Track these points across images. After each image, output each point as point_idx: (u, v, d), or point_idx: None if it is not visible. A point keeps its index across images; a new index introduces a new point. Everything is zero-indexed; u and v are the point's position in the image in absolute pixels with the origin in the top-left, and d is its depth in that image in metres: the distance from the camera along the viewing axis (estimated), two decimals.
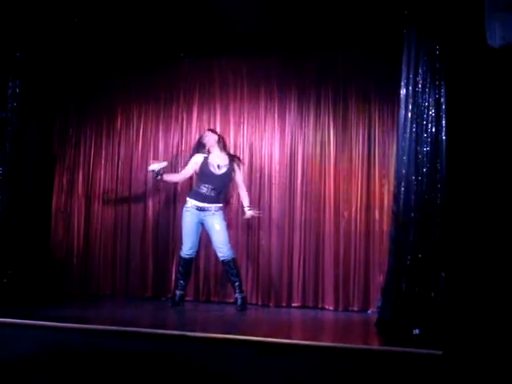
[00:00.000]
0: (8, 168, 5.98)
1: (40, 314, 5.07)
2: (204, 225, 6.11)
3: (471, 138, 4.65)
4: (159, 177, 6.22)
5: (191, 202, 6.10)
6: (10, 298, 5.76)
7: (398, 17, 5.00)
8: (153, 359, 4.09)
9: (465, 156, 4.64)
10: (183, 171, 6.43)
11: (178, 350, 4.14)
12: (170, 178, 6.47)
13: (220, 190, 6.11)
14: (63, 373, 4.09)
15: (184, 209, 6.19)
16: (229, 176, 6.17)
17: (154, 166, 6.20)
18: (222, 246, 6.02)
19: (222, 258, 6.06)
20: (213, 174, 6.11)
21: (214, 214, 6.05)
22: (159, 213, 7.13)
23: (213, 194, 6.07)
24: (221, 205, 6.14)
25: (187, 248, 6.11)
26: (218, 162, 6.18)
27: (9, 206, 5.97)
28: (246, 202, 6.26)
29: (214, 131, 6.46)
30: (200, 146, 6.34)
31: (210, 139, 6.26)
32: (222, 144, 6.33)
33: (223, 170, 6.13)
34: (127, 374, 4.08)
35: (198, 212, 6.07)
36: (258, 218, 6.70)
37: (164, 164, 6.25)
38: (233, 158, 6.28)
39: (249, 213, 6.23)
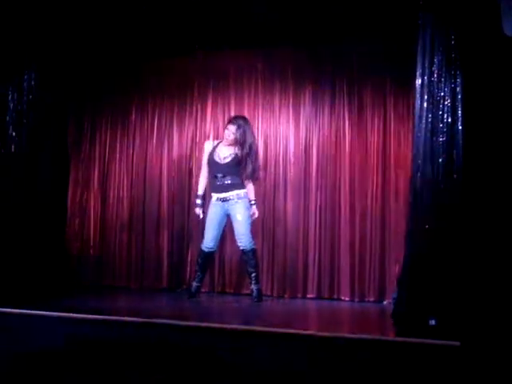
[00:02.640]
0: (24, 161, 6.00)
1: (57, 304, 5.09)
2: (229, 215, 6.08)
3: (488, 127, 4.60)
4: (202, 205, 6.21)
5: (214, 196, 6.06)
6: (27, 289, 5.79)
7: (413, 6, 4.96)
8: (170, 350, 4.10)
9: (481, 146, 4.60)
10: (202, 167, 6.27)
11: (194, 341, 4.15)
12: (202, 186, 6.24)
13: (232, 176, 6.00)
14: (82, 364, 4.12)
15: (210, 203, 6.13)
16: (235, 165, 6.01)
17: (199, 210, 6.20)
18: (242, 236, 5.98)
19: (241, 248, 6.04)
20: (217, 164, 6.04)
21: (237, 202, 5.99)
22: (174, 205, 7.16)
23: (228, 182, 5.99)
24: (242, 191, 6.03)
25: (208, 241, 6.07)
26: (224, 152, 6.07)
27: (27, 199, 6.00)
28: (251, 195, 6.15)
29: (239, 125, 6.06)
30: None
31: (229, 133, 6.06)
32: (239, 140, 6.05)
33: (227, 159, 6.04)
34: (144, 364, 4.09)
35: (222, 203, 6.02)
36: (273, 209, 6.72)
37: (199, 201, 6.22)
38: (241, 150, 6.04)
39: (253, 207, 6.14)
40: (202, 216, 6.20)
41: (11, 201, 5.92)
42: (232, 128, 6.03)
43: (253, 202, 6.13)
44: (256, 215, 6.16)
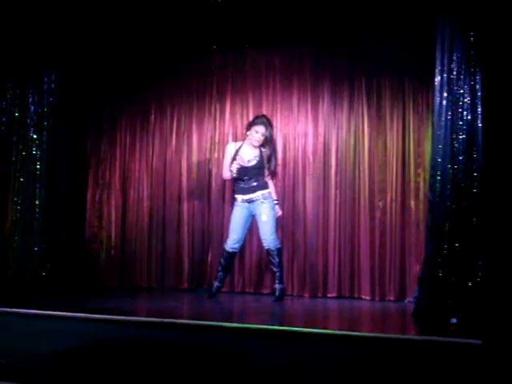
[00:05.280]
0: (46, 162, 6.06)
1: (78, 305, 5.14)
2: (255, 216, 6.07)
3: (508, 124, 4.57)
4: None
5: (239, 198, 6.07)
6: (49, 290, 5.85)
7: (432, 3, 4.94)
8: (192, 350, 4.13)
9: (502, 144, 4.57)
10: (224, 170, 6.18)
11: (216, 340, 4.17)
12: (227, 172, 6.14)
13: (257, 177, 6.03)
14: (106, 364, 4.15)
15: (235, 204, 6.14)
16: (260, 167, 6.06)
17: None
18: (266, 236, 5.98)
19: (266, 247, 6.03)
20: (242, 167, 6.02)
21: (262, 202, 5.99)
22: (194, 205, 7.18)
23: (254, 184, 6.01)
24: (267, 191, 6.04)
25: (232, 242, 6.07)
26: (249, 155, 6.06)
27: (47, 200, 6.05)
28: (273, 194, 6.16)
29: (267, 125, 6.06)
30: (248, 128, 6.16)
31: (259, 135, 6.02)
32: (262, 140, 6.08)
33: (252, 162, 6.05)
34: (164, 363, 4.12)
35: (247, 205, 6.03)
36: (293, 208, 6.73)
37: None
38: (268, 148, 6.09)
39: (276, 207, 6.12)
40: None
41: (32, 202, 5.99)
42: (262, 129, 6.03)
43: (276, 202, 6.14)
44: (280, 214, 6.18)
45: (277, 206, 6.14)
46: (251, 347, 4.09)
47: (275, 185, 6.38)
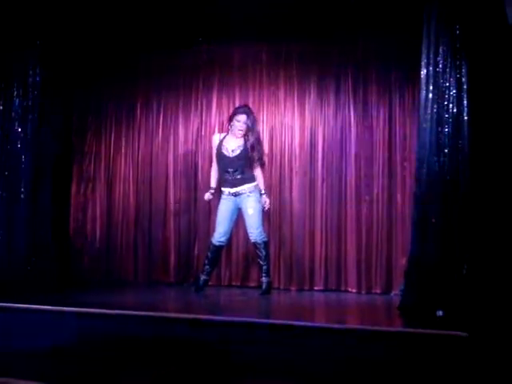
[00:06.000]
0: (30, 156, 6.01)
1: (65, 300, 5.14)
2: (241, 209, 6.06)
3: (493, 117, 4.59)
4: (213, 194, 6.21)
5: (226, 191, 6.04)
6: (34, 285, 5.82)
7: None
8: (178, 344, 4.12)
9: (487, 136, 4.58)
10: (213, 161, 6.23)
11: (203, 334, 4.17)
12: (214, 179, 6.20)
13: (242, 169, 6.00)
14: (89, 358, 4.13)
15: (221, 197, 6.11)
16: (244, 157, 6.01)
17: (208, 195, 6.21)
18: (252, 229, 5.98)
19: (252, 241, 6.03)
20: (226, 157, 6.02)
21: (248, 195, 5.98)
22: (180, 199, 7.16)
23: (239, 176, 5.99)
24: (252, 184, 6.01)
25: (219, 235, 6.05)
26: (232, 145, 6.05)
27: (31, 194, 6.02)
28: (261, 184, 6.11)
29: (248, 113, 6.08)
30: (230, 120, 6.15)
31: (241, 124, 6.03)
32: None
33: (236, 152, 6.02)
34: (151, 358, 4.11)
35: (234, 198, 6.01)
36: (279, 201, 6.73)
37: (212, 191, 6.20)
38: (251, 136, 6.03)
39: (263, 197, 6.09)
40: (207, 200, 6.28)
41: (17, 196, 5.95)
42: (243, 118, 6.02)
43: (263, 192, 6.08)
44: (267, 204, 6.10)
45: (264, 196, 6.07)
46: (238, 341, 4.09)
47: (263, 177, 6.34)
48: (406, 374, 3.73)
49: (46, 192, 6.24)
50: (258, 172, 6.11)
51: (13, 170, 5.96)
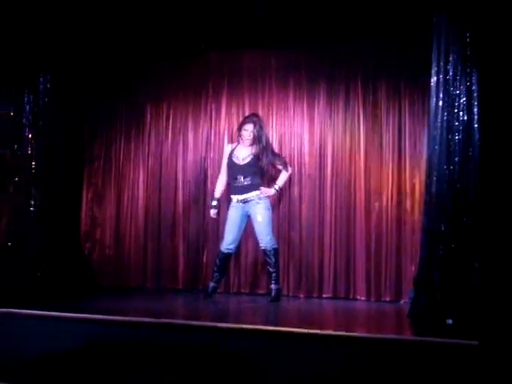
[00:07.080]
0: (41, 162, 6.04)
1: (73, 305, 5.14)
2: (250, 216, 6.08)
3: (505, 125, 4.56)
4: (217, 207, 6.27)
5: (234, 198, 6.08)
6: (44, 291, 5.83)
7: (428, 4, 4.93)
8: (187, 351, 4.11)
9: (498, 144, 4.56)
10: (222, 169, 6.32)
11: (212, 341, 4.16)
12: (220, 189, 6.30)
13: (251, 176, 6.03)
14: (100, 365, 4.13)
15: (230, 205, 6.15)
16: (255, 164, 6.07)
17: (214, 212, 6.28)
18: (262, 236, 5.99)
19: (262, 248, 6.04)
20: (237, 165, 6.08)
21: (258, 202, 6.01)
22: (190, 206, 7.15)
23: (248, 183, 6.02)
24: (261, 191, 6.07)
25: (227, 243, 6.08)
26: (243, 153, 6.11)
27: (42, 199, 6.04)
28: (279, 182, 6.19)
29: (255, 123, 6.15)
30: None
31: (248, 133, 6.11)
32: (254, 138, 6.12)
33: (247, 159, 6.08)
34: (161, 365, 4.11)
35: (242, 205, 6.04)
36: (289, 208, 6.73)
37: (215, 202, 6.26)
38: (258, 145, 6.08)
39: (271, 189, 6.13)
40: (216, 217, 6.33)
41: (28, 201, 5.97)
42: (249, 127, 6.09)
43: (276, 187, 6.17)
44: (269, 193, 6.11)
45: (273, 190, 6.14)
46: (247, 348, 4.08)
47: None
48: (416, 382, 3.71)
49: (56, 197, 6.26)
50: (282, 174, 6.21)
51: (23, 175, 5.98)
